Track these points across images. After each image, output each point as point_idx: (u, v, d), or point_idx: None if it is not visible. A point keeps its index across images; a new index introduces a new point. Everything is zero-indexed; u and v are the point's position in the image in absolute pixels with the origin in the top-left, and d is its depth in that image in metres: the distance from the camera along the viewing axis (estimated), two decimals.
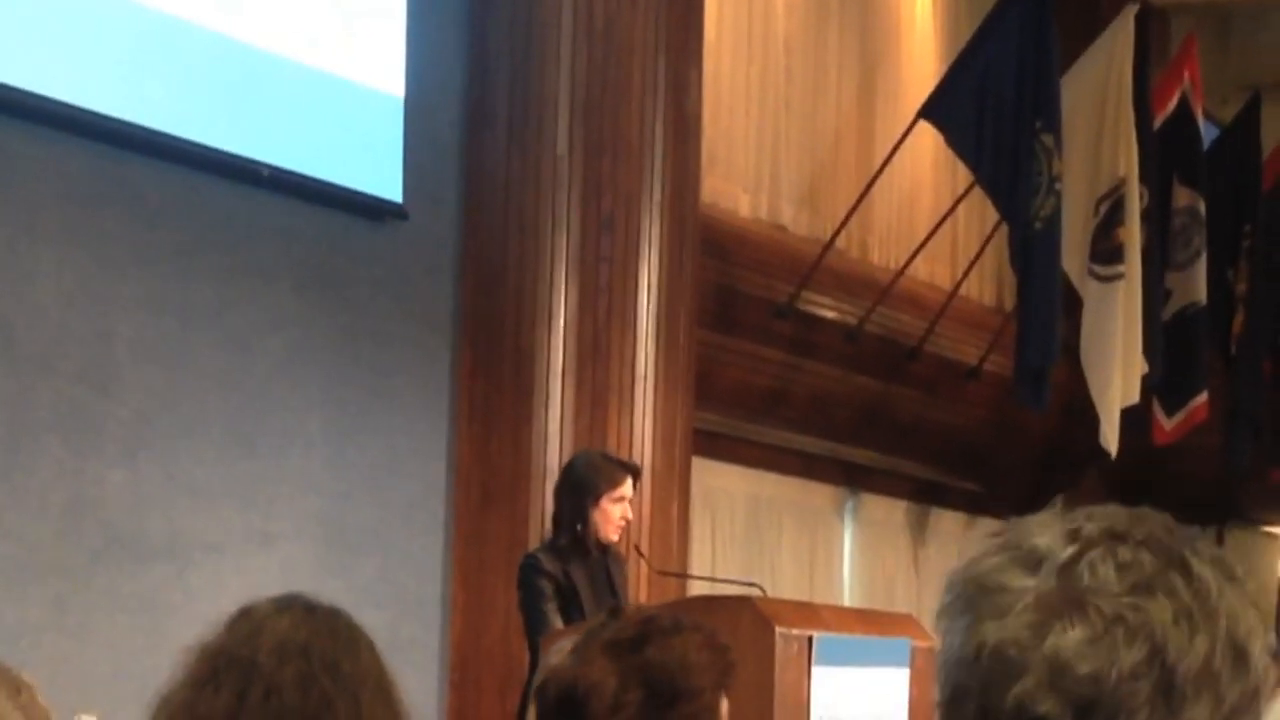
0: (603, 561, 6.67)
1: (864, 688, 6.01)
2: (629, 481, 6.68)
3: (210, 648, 2.66)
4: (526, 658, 6.70)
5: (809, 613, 6.28)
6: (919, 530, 13.22)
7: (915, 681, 6.14)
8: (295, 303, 7.80)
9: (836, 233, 10.74)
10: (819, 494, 12.23)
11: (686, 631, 2.96)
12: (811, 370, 10.92)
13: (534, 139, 8.54)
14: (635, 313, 8.56)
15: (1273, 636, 1.37)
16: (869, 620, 6.82)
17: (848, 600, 12.25)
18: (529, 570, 6.61)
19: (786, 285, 10.51)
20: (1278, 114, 12.91)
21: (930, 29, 12.58)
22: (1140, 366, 10.76)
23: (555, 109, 8.54)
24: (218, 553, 7.38)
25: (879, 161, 10.91)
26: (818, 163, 11.55)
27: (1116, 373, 10.57)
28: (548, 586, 6.52)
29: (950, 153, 10.65)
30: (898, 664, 6.18)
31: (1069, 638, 1.31)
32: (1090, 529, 1.36)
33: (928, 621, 5.78)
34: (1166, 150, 11.54)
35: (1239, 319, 12.51)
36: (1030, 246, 10.12)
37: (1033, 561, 1.36)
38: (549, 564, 6.56)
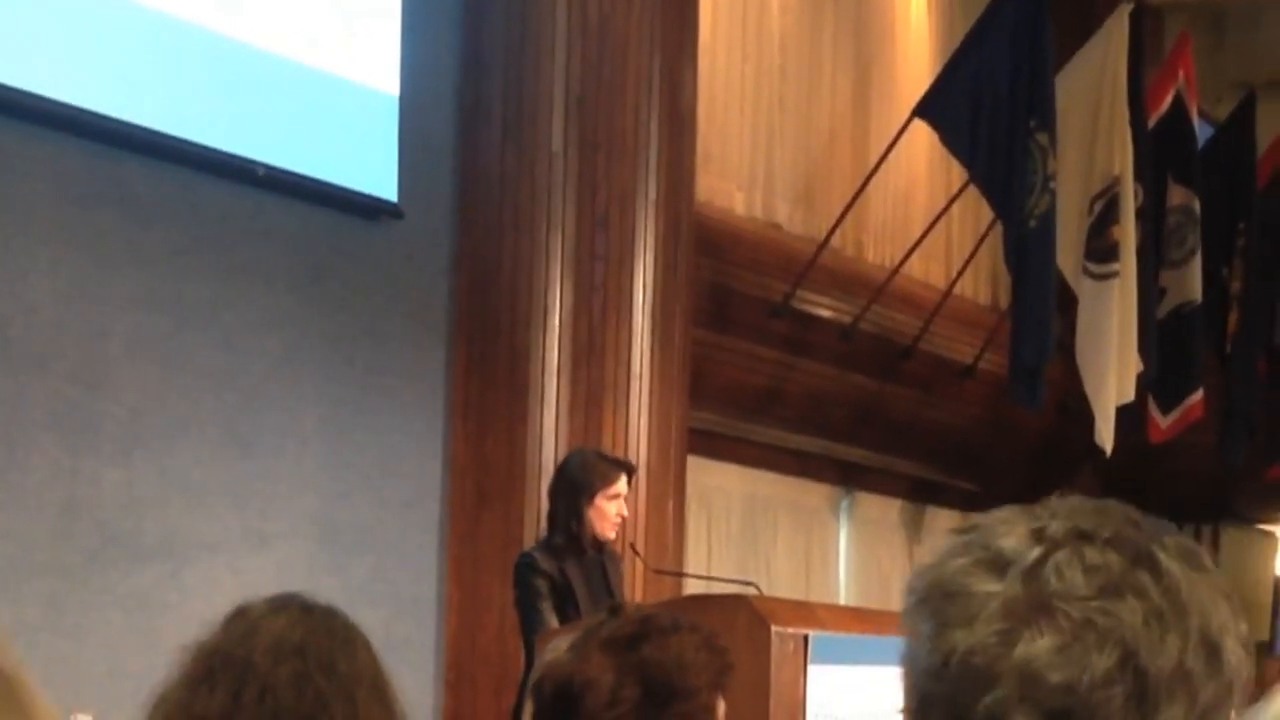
0: (598, 560, 6.67)
1: (860, 686, 6.01)
2: (624, 479, 6.69)
3: (206, 647, 2.66)
4: (522, 656, 6.70)
5: (805, 611, 6.28)
6: (914, 529, 13.24)
7: None
8: (290, 301, 7.79)
9: (831, 231, 10.74)
10: (814, 493, 12.24)
11: (684, 631, 2.96)
12: (807, 369, 10.92)
13: (529, 137, 8.54)
14: (630, 311, 8.56)
15: (1244, 627, 1.35)
16: (865, 619, 6.82)
17: (843, 599, 12.25)
18: (524, 569, 6.61)
19: (781, 284, 10.50)
20: (1272, 112, 12.91)
21: (925, 27, 12.58)
22: (1135, 365, 10.76)
23: (550, 107, 8.54)
24: (213, 552, 7.38)
25: (874, 160, 10.91)
26: (813, 161, 11.55)
27: (1111, 371, 10.56)
28: (543, 585, 6.52)
29: (945, 151, 10.65)
30: (894, 662, 6.16)
31: (1038, 646, 1.29)
32: (1055, 528, 1.34)
33: None
34: (1161, 149, 11.54)
35: (1234, 317, 12.51)
36: (1025, 245, 10.12)
37: (998, 564, 1.33)
38: (544, 563, 6.56)
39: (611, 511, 6.64)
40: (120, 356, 7.08)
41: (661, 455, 8.64)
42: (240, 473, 7.52)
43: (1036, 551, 1.32)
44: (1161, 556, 1.33)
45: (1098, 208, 10.75)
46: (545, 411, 8.40)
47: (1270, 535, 15.63)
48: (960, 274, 11.91)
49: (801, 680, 5.81)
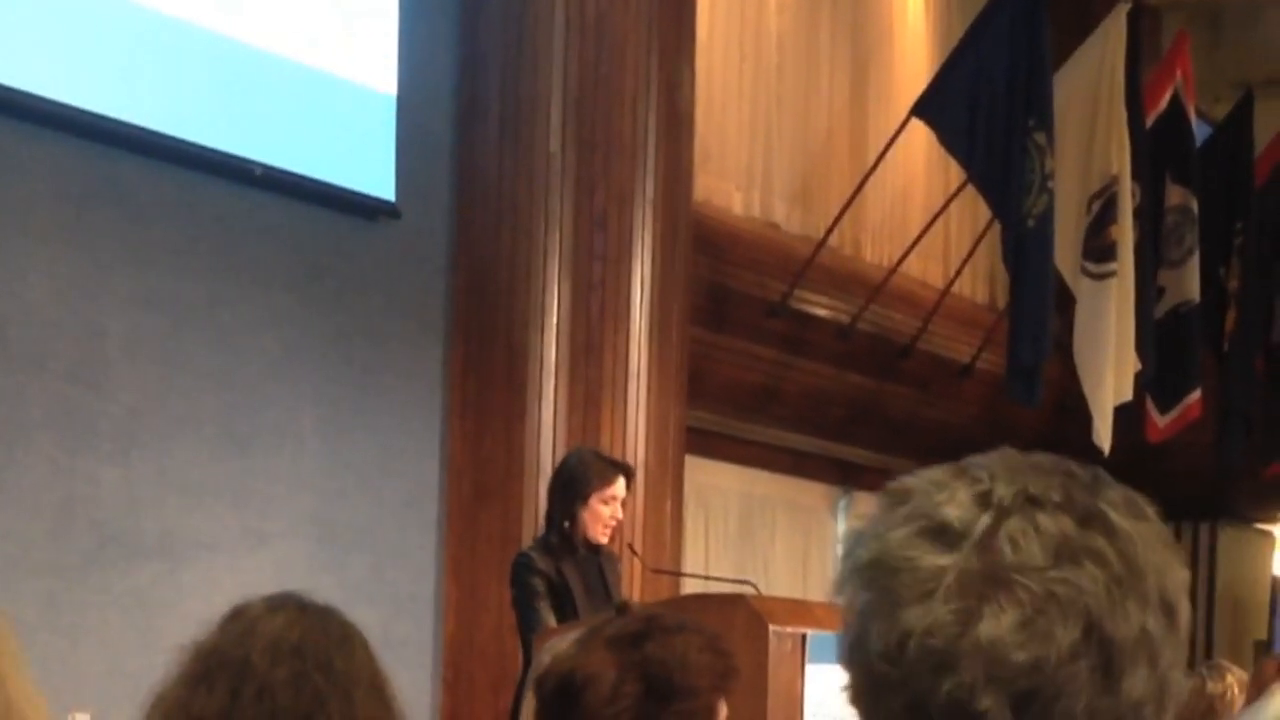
0: (595, 560, 6.67)
1: None
2: (621, 481, 6.67)
3: (204, 647, 2.67)
4: (520, 655, 6.69)
5: (802, 610, 6.28)
6: None
7: None
8: (288, 301, 7.79)
9: (829, 230, 10.74)
10: (812, 492, 12.24)
11: (689, 632, 2.97)
12: (804, 368, 10.92)
13: (526, 136, 8.53)
14: (628, 310, 8.56)
15: (1187, 573, 1.31)
16: None
17: None
18: (522, 568, 6.60)
19: (779, 283, 10.51)
20: (1270, 112, 12.91)
21: (922, 26, 12.58)
22: (1133, 364, 10.76)
23: (547, 106, 8.54)
24: (211, 551, 7.38)
25: (871, 159, 10.91)
26: (810, 160, 11.55)
27: (1109, 370, 10.57)
28: (540, 584, 6.52)
29: (943, 151, 10.65)
30: None
31: (1001, 624, 1.24)
32: (1002, 493, 1.28)
33: None
34: (1159, 148, 11.54)
35: (1232, 316, 12.50)
36: (1023, 244, 10.12)
37: (945, 535, 1.27)
38: (542, 562, 6.56)
39: (605, 514, 6.62)
40: (118, 356, 7.08)
41: (659, 454, 8.64)
42: (238, 472, 7.52)
43: (986, 520, 1.27)
44: (1112, 515, 1.28)
45: (1095, 207, 10.75)
46: (543, 410, 8.40)
47: (1268, 534, 15.63)
48: (958, 273, 11.91)
49: (799, 679, 5.81)
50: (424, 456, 8.41)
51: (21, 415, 6.74)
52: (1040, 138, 10.12)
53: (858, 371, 11.30)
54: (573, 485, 6.65)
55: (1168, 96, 11.89)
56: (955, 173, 10.99)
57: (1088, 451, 10.83)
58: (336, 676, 2.63)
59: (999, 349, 11.00)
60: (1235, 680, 7.79)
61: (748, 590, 6.55)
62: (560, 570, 6.55)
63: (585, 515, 6.59)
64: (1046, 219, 10.18)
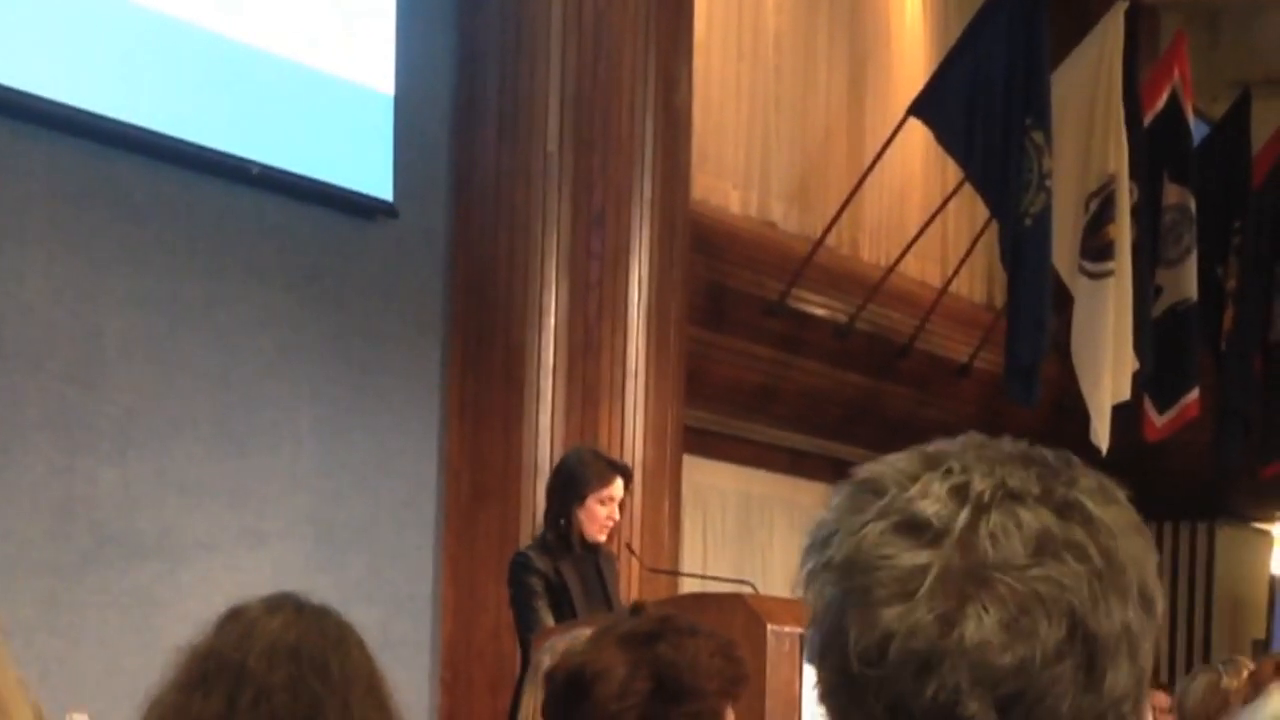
0: (593, 559, 6.67)
1: None
2: (619, 482, 6.66)
3: (200, 650, 2.66)
4: (518, 655, 6.69)
5: (800, 610, 6.25)
6: None
7: None
8: (285, 300, 7.79)
9: (827, 230, 10.74)
10: (810, 491, 12.22)
11: (702, 636, 2.98)
12: (802, 367, 10.92)
13: (524, 136, 8.53)
14: (626, 309, 8.56)
15: (1157, 557, 1.29)
16: None
17: None
18: (519, 568, 6.60)
19: (777, 282, 10.51)
20: (1267, 111, 12.91)
21: (920, 26, 12.58)
22: (1131, 363, 10.76)
23: (545, 106, 8.53)
24: (209, 551, 7.38)
25: (869, 158, 10.91)
26: (808, 159, 11.54)
27: (1107, 369, 10.57)
28: (538, 584, 6.51)
29: (940, 150, 10.65)
30: None
31: (985, 625, 1.21)
32: (979, 486, 1.25)
33: None
34: (1156, 147, 11.54)
35: (1229, 315, 12.50)
36: (1020, 243, 10.12)
37: (922, 531, 1.24)
38: (539, 561, 6.55)
39: (603, 514, 6.61)
40: (115, 356, 7.08)
41: (657, 454, 8.64)
42: (236, 472, 7.52)
43: (965, 515, 1.24)
44: (1089, 505, 1.25)
45: (1093, 206, 10.75)
46: (541, 410, 8.40)
47: (1266, 534, 15.64)
48: (956, 272, 11.91)
49: (797, 679, 5.81)
50: (422, 456, 8.41)
51: (19, 415, 6.74)
52: (1038, 137, 10.12)
53: (856, 371, 11.30)
54: (571, 485, 6.65)
55: (1165, 95, 11.89)
56: (953, 172, 10.98)
57: (1086, 451, 10.84)
58: (333, 679, 2.63)
59: (997, 348, 11.00)
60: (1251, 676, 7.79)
61: (746, 590, 6.55)
62: (558, 570, 6.55)
63: (582, 515, 6.59)
64: (1044, 218, 10.17)
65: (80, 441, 6.94)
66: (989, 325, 11.86)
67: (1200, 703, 6.93)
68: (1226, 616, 14.96)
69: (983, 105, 10.06)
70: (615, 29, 8.61)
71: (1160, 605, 1.28)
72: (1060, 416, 11.78)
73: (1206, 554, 14.85)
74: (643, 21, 8.68)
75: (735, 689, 2.98)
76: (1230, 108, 12.95)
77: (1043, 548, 1.23)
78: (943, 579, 1.22)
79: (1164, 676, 13.67)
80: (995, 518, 1.24)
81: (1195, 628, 14.83)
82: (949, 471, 1.27)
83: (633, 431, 8.52)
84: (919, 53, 12.32)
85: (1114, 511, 1.27)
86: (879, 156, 10.70)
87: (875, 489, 1.29)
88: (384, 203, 8.17)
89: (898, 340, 11.55)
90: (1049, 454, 1.29)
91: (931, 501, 1.25)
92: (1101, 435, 10.41)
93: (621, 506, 6.74)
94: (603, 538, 6.68)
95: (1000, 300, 11.86)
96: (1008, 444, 1.30)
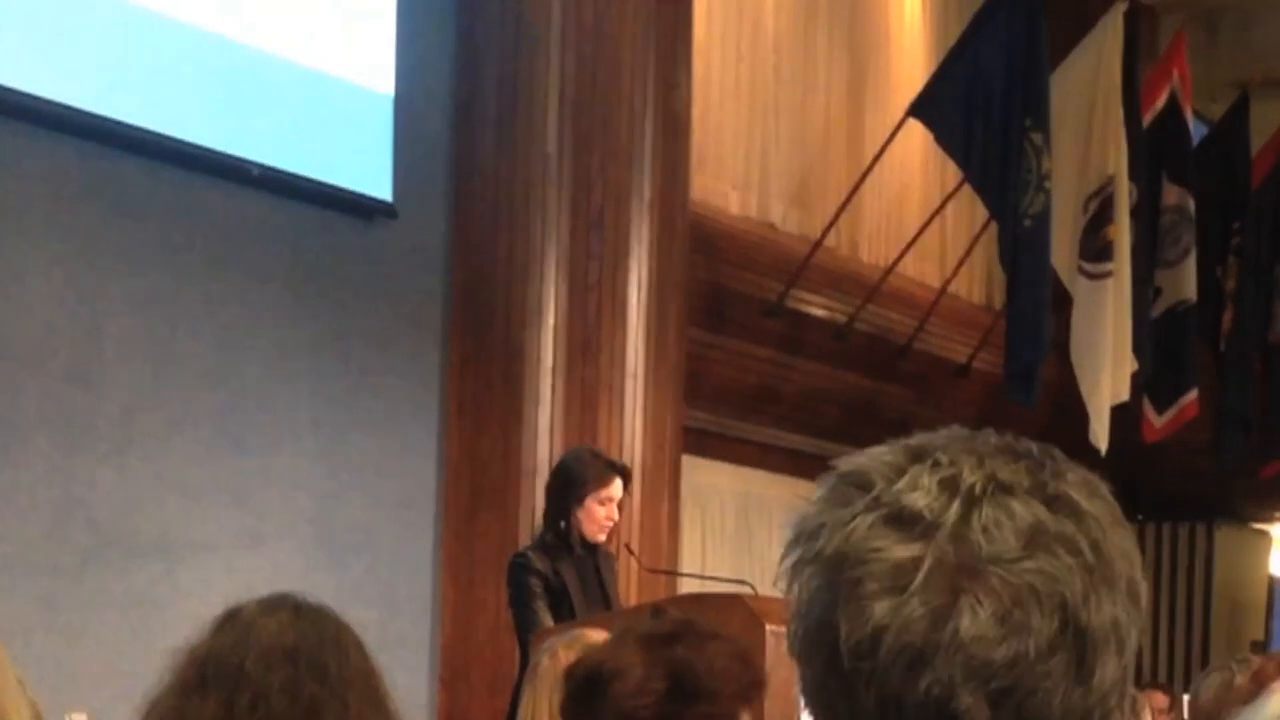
0: (592, 560, 6.66)
1: None
2: (618, 482, 6.66)
3: (198, 653, 2.66)
4: (517, 656, 6.69)
5: None
6: None
7: None
8: (284, 301, 7.79)
9: (826, 231, 10.74)
10: (809, 492, 12.20)
11: (721, 641, 3.02)
12: (801, 368, 10.92)
13: (523, 137, 8.53)
14: (625, 310, 8.56)
15: (1139, 552, 1.30)
16: None
17: None
18: (519, 569, 6.60)
19: (776, 283, 10.51)
20: (1266, 112, 12.91)
21: (919, 27, 12.58)
22: (1130, 364, 10.77)
23: (545, 107, 8.53)
24: (207, 551, 7.38)
25: (868, 159, 10.91)
26: (807, 161, 11.55)
27: (1106, 370, 10.58)
28: (538, 585, 6.51)
29: (940, 151, 10.65)
30: None
31: (980, 619, 1.20)
32: (969, 479, 1.24)
33: None
34: (1155, 148, 11.55)
35: (1228, 316, 12.51)
36: (1019, 244, 10.13)
37: (913, 524, 1.23)
38: (539, 562, 6.55)
39: (601, 514, 6.61)
40: (114, 356, 7.08)
41: (656, 454, 8.64)
42: (235, 472, 7.52)
43: (956, 508, 1.23)
44: (1077, 498, 1.25)
45: (1092, 207, 10.76)
46: (540, 411, 8.40)
47: (1265, 534, 15.63)
48: (955, 273, 11.91)
49: (796, 679, 5.81)
50: (421, 457, 8.41)
51: (18, 415, 6.74)
52: (1037, 137, 10.12)
53: (855, 371, 11.30)
54: (570, 485, 6.65)
55: (1165, 96, 11.90)
56: (952, 173, 10.99)
57: (1085, 451, 10.85)
58: (331, 681, 2.63)
59: (996, 349, 11.01)
60: None
61: (745, 590, 6.54)
62: (557, 570, 6.55)
63: (581, 515, 6.59)
64: (1043, 219, 10.18)
65: (79, 441, 6.94)
66: (988, 326, 11.87)
67: (1213, 700, 6.93)
68: (1225, 617, 14.96)
69: (982, 106, 10.07)
70: (615, 30, 8.61)
71: (1144, 597, 1.27)
72: (1059, 417, 11.79)
73: (1205, 555, 14.85)
74: (642, 23, 8.68)
75: (751, 694, 3.01)
76: (1229, 108, 12.95)
77: (1034, 540, 1.22)
78: (935, 572, 1.22)
79: (1163, 677, 13.68)
80: (987, 510, 1.23)
81: (1194, 628, 14.82)
82: (937, 464, 1.26)
83: (632, 432, 8.53)
84: (918, 54, 12.32)
85: (1100, 505, 1.27)
86: (878, 157, 10.70)
87: (860, 482, 1.28)
88: (383, 203, 8.17)
89: (897, 341, 11.55)
90: (1033, 447, 1.29)
91: (922, 494, 1.24)
92: (1100, 436, 10.42)
93: (620, 507, 6.74)
94: (602, 538, 6.68)
95: (999, 301, 11.86)
96: (991, 436, 1.30)
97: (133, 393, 7.13)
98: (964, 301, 12.60)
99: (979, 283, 12.99)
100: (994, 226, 10.60)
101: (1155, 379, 11.50)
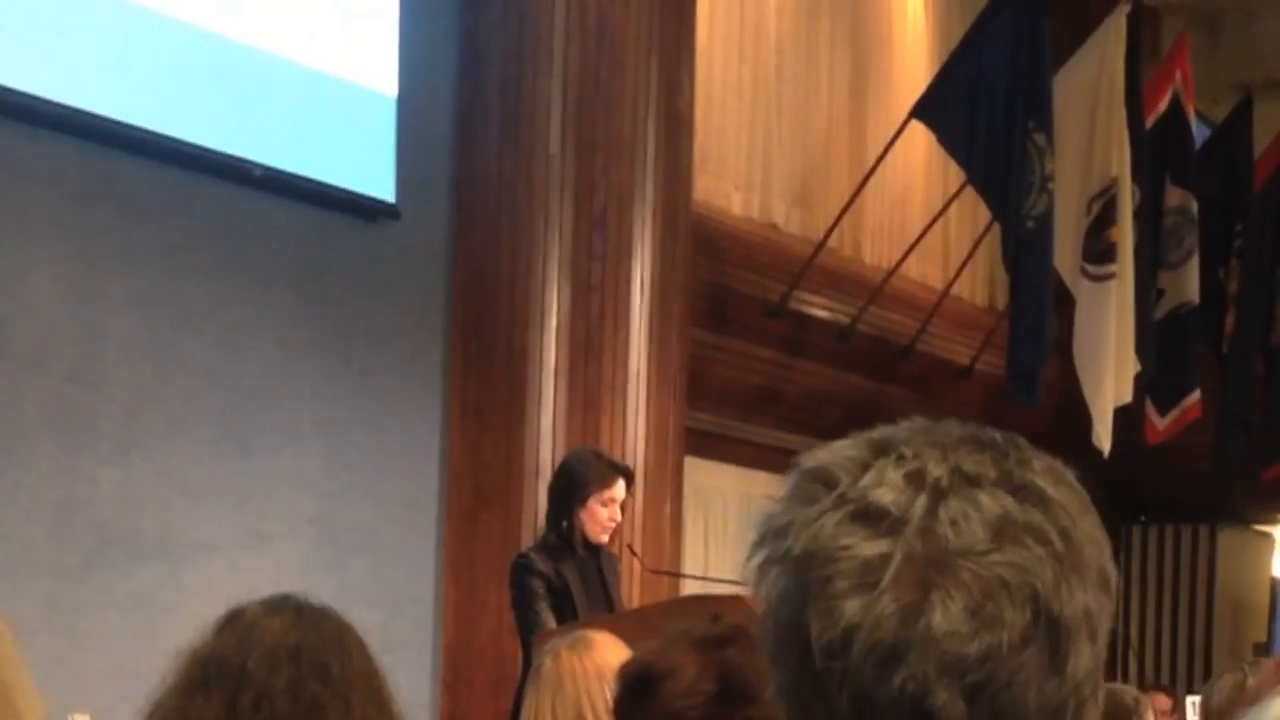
0: (594, 561, 6.67)
1: None
2: (620, 483, 6.66)
3: (200, 653, 2.66)
4: (519, 657, 6.69)
5: None
6: None
7: None
8: (287, 301, 7.79)
9: (829, 232, 10.74)
10: None
11: None
12: (804, 369, 10.92)
13: (526, 137, 8.53)
14: (628, 311, 8.56)
15: (1108, 539, 1.28)
16: None
17: None
18: (521, 569, 6.60)
19: (779, 284, 10.51)
20: (1269, 114, 12.92)
21: (922, 28, 12.58)
22: (1133, 365, 10.77)
23: (547, 107, 8.54)
24: (210, 552, 7.38)
25: (871, 160, 10.91)
26: (810, 162, 11.55)
27: (1109, 372, 10.58)
28: (540, 586, 6.51)
29: (942, 152, 10.66)
30: None
31: (951, 614, 1.19)
32: (935, 472, 1.23)
33: None
34: (1158, 150, 11.55)
35: (1231, 318, 12.52)
36: (1022, 246, 10.13)
37: (880, 520, 1.22)
38: (541, 563, 6.55)
39: (604, 515, 6.61)
40: (117, 356, 7.08)
41: (659, 455, 8.64)
42: (238, 473, 7.52)
43: (923, 502, 1.22)
44: (1044, 486, 1.24)
45: (1095, 209, 10.76)
46: (543, 412, 8.40)
47: (1267, 536, 15.63)
48: (958, 275, 11.91)
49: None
50: (423, 458, 8.41)
51: (21, 416, 6.74)
52: (1040, 139, 10.12)
53: (857, 373, 11.30)
54: (572, 486, 6.65)
55: (1167, 98, 11.90)
56: (955, 174, 10.99)
57: (1087, 453, 10.85)
58: (334, 682, 2.63)
59: (998, 350, 11.01)
60: None
61: (747, 591, 6.54)
62: (560, 571, 6.55)
63: (584, 516, 6.59)
64: (1046, 220, 10.19)
65: (82, 442, 6.94)
66: (991, 327, 11.87)
67: (1226, 701, 6.93)
68: (1228, 619, 14.96)
69: (985, 107, 10.07)
70: (618, 31, 8.62)
71: (1114, 584, 1.27)
72: (1062, 419, 11.79)
73: (1208, 556, 14.85)
74: (645, 23, 8.68)
75: None
76: (1232, 110, 12.97)
77: (1003, 532, 1.22)
78: (905, 568, 1.20)
79: (1165, 679, 13.68)
80: (954, 503, 1.22)
81: (1196, 631, 14.82)
82: (901, 458, 1.25)
83: (634, 433, 8.53)
84: (921, 55, 12.32)
85: (1066, 492, 1.26)
86: (881, 158, 10.70)
87: (824, 479, 1.27)
88: (386, 204, 8.17)
89: (899, 342, 11.56)
90: (997, 436, 1.28)
91: (888, 489, 1.23)
92: (1103, 437, 10.42)
93: (623, 508, 6.74)
94: (604, 539, 6.68)
95: (1002, 302, 11.86)
96: (954, 426, 1.29)
97: (135, 393, 7.13)
98: (966, 303, 12.60)
99: (981, 284, 12.99)
100: (997, 228, 10.60)
101: (1158, 381, 11.50)
